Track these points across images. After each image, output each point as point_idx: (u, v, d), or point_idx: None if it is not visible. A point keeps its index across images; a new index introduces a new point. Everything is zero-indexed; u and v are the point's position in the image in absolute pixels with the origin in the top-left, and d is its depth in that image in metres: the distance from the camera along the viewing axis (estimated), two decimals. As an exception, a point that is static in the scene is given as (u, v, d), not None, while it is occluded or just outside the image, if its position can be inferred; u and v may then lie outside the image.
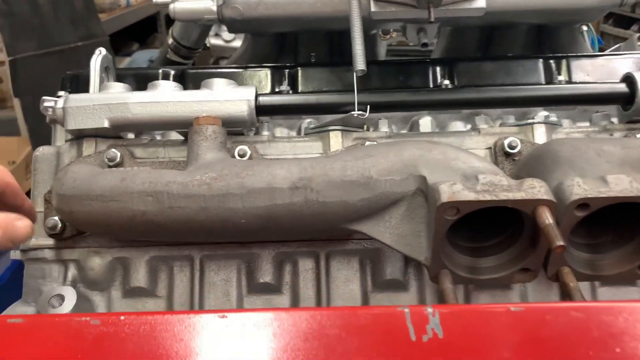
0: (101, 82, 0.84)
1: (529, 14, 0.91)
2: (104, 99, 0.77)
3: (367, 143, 0.78)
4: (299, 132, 0.87)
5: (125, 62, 2.99)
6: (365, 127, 0.82)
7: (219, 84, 0.78)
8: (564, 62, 0.92)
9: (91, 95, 0.80)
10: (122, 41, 3.38)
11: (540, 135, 0.79)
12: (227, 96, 0.77)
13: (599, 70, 0.91)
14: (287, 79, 0.92)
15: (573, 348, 0.40)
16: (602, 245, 0.65)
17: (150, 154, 0.79)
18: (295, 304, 0.76)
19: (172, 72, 0.92)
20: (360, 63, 0.73)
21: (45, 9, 2.29)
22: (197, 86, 0.82)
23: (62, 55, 2.33)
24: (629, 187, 0.57)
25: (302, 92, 0.91)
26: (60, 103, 0.78)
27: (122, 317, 0.41)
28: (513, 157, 0.76)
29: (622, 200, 0.57)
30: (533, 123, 0.80)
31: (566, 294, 0.62)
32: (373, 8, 0.81)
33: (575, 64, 0.92)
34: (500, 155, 0.76)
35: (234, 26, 0.94)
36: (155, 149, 0.80)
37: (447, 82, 0.90)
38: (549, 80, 0.90)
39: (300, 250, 0.76)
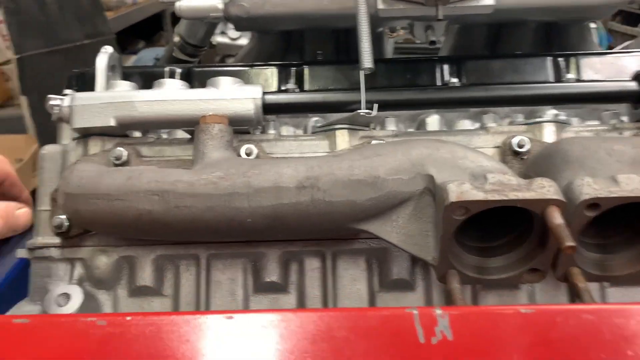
0: (107, 80, 0.84)
1: (538, 12, 0.90)
2: (110, 97, 0.77)
3: (374, 142, 0.77)
4: (305, 131, 0.87)
5: (131, 60, 2.99)
6: (372, 125, 0.81)
7: (225, 82, 0.78)
8: (573, 60, 0.91)
9: (97, 94, 0.80)
10: (128, 39, 3.38)
11: (549, 134, 0.78)
12: (233, 95, 0.76)
13: (609, 68, 0.90)
14: (293, 77, 0.92)
15: (584, 351, 0.40)
16: (612, 245, 0.64)
17: (157, 152, 0.79)
18: (301, 303, 0.76)
19: (179, 71, 0.92)
20: (367, 61, 0.73)
21: (52, 7, 2.30)
22: (203, 84, 0.81)
23: (69, 53, 2.34)
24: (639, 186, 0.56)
25: (309, 91, 0.90)
26: (66, 101, 0.78)
27: (128, 318, 0.40)
28: (522, 156, 0.75)
29: (633, 200, 0.56)
30: (542, 121, 0.79)
31: (575, 295, 0.61)
32: (380, 5, 0.80)
33: (585, 62, 0.91)
34: (509, 154, 0.75)
35: (240, 24, 0.93)
36: (161, 147, 0.79)
37: (454, 80, 0.89)
38: (558, 78, 0.90)
39: (306, 249, 0.76)
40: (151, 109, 0.76)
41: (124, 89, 0.80)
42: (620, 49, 1.08)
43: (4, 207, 0.62)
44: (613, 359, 0.39)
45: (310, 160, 0.67)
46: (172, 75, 0.90)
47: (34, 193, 0.79)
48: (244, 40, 1.65)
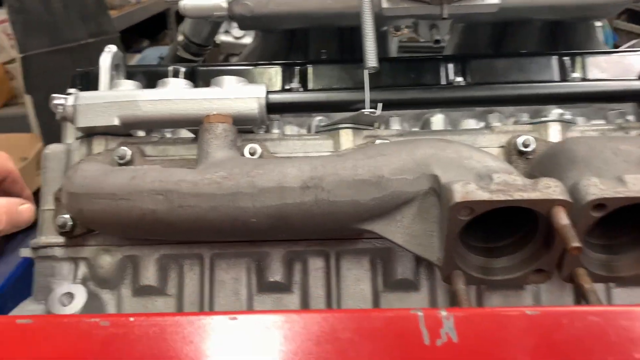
0: (111, 79, 0.84)
1: (544, 10, 0.90)
2: (114, 96, 0.77)
3: (379, 141, 0.77)
4: (309, 130, 0.87)
5: (135, 59, 3.00)
6: (376, 125, 0.81)
7: (229, 81, 0.78)
8: (578, 58, 0.90)
9: (101, 93, 0.79)
10: (132, 38, 3.39)
11: (554, 134, 0.77)
12: (237, 94, 0.76)
13: (615, 67, 0.90)
14: (297, 77, 0.91)
15: (590, 353, 0.39)
16: (618, 246, 0.64)
17: (161, 151, 0.79)
18: (305, 303, 0.76)
19: (183, 70, 0.92)
20: (371, 60, 0.72)
21: (56, 6, 2.30)
22: (207, 83, 0.81)
23: (73, 52, 2.34)
24: (646, 187, 0.56)
25: (313, 90, 0.90)
26: (70, 101, 0.78)
27: (131, 319, 0.40)
28: (527, 155, 0.74)
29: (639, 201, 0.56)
30: (547, 121, 0.78)
31: (581, 296, 0.61)
32: (385, 4, 0.80)
33: (590, 61, 0.90)
34: (514, 153, 0.75)
35: (244, 23, 0.93)
36: (165, 146, 0.79)
37: (459, 79, 0.88)
38: (564, 77, 0.89)
39: (310, 249, 0.76)
40: (155, 108, 0.76)
41: (128, 88, 0.80)
42: (626, 47, 1.07)
43: (6, 203, 0.62)
44: (619, 362, 0.39)
45: (314, 160, 0.67)
46: (176, 74, 0.90)
47: (38, 192, 0.80)
48: (248, 39, 1.64)
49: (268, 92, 0.77)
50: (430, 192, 0.63)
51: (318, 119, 0.87)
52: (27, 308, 0.74)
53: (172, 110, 0.76)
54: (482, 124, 0.85)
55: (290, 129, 0.87)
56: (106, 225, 0.70)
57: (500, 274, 0.63)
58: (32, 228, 0.78)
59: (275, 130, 0.83)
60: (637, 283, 0.73)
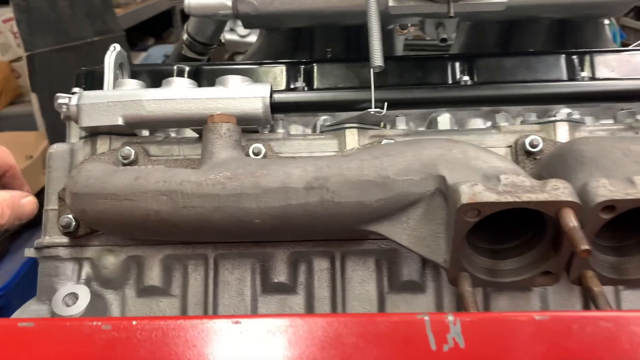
0: (115, 78, 0.83)
1: (552, 9, 0.89)
2: (118, 96, 0.77)
3: (384, 141, 0.76)
4: (314, 130, 0.86)
5: (141, 57, 3.00)
6: (382, 124, 0.80)
7: (233, 81, 0.77)
8: (587, 57, 0.89)
9: (105, 92, 0.79)
10: (138, 36, 3.39)
11: (562, 134, 0.76)
12: (241, 93, 0.75)
13: (624, 66, 0.88)
14: (302, 75, 0.91)
15: (601, 360, 0.38)
16: (628, 247, 0.63)
17: (165, 151, 0.78)
18: (309, 304, 0.75)
19: (187, 69, 0.91)
20: (377, 59, 0.72)
21: (62, 4, 2.30)
22: (212, 82, 0.80)
23: (79, 50, 2.34)
24: (657, 188, 0.55)
25: (318, 89, 0.89)
26: (74, 100, 0.77)
27: (134, 322, 0.40)
28: (534, 156, 0.74)
29: (650, 203, 0.55)
30: (555, 121, 0.77)
31: (590, 299, 0.60)
32: (391, 3, 0.79)
33: (599, 60, 0.89)
34: (521, 154, 0.74)
35: (249, 21, 0.92)
36: (169, 146, 0.79)
37: (466, 78, 0.87)
38: (572, 76, 0.88)
39: (315, 250, 0.75)
40: (159, 108, 0.75)
41: (132, 87, 0.79)
42: (635, 45, 1.06)
43: (9, 196, 0.63)
44: (631, 369, 0.38)
45: (319, 160, 0.66)
46: (180, 73, 0.89)
47: (43, 191, 0.79)
48: (253, 37, 1.63)
49: (273, 92, 0.77)
50: (437, 193, 0.62)
51: (323, 119, 0.86)
52: (31, 308, 0.74)
53: (176, 110, 0.75)
54: (489, 124, 0.84)
55: (295, 129, 0.86)
56: (110, 225, 0.70)
57: (508, 276, 0.62)
58: (38, 226, 0.78)
59: (280, 130, 0.83)
60: (647, 285, 0.72)
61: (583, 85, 0.84)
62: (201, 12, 0.91)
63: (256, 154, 0.75)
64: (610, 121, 0.83)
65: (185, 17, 1.05)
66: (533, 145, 0.73)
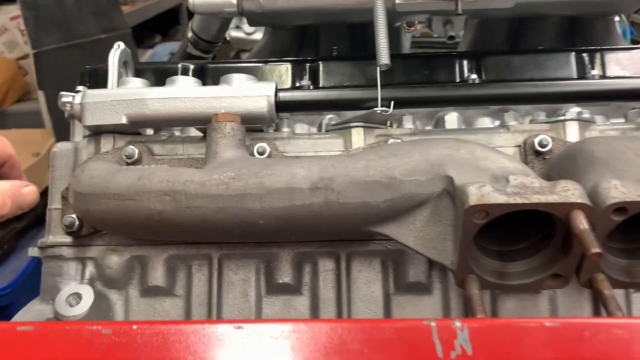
0: (120, 76, 0.83)
1: (562, 6, 0.87)
2: (122, 94, 0.76)
3: (391, 140, 0.75)
4: (319, 129, 0.85)
5: (147, 55, 3.00)
6: (388, 123, 0.79)
7: (238, 79, 0.76)
8: (597, 55, 0.88)
9: (109, 91, 0.78)
10: (144, 33, 3.39)
11: (572, 133, 0.75)
12: (246, 92, 0.75)
13: (635, 64, 0.87)
14: (308, 74, 0.90)
15: (613, 368, 0.37)
16: (639, 250, 0.62)
17: (169, 150, 0.78)
18: (314, 305, 0.74)
19: (192, 67, 0.91)
20: (384, 57, 0.71)
21: (68, 2, 2.30)
22: (217, 81, 0.80)
23: (86, 48, 2.34)
24: (670, 190, 0.54)
25: (324, 88, 0.88)
26: (78, 98, 0.77)
27: (134, 327, 0.39)
28: (544, 155, 0.72)
29: (663, 205, 0.54)
30: (565, 120, 0.76)
31: (600, 302, 0.58)
32: (398, 0, 0.78)
33: (610, 58, 0.87)
34: (530, 153, 0.73)
35: (254, 19, 0.91)
36: (173, 145, 0.78)
37: (474, 76, 0.86)
38: (582, 74, 0.86)
39: (320, 250, 0.74)
40: (163, 106, 0.75)
41: (136, 85, 0.79)
42: (646, 43, 1.04)
43: (9, 186, 0.63)
44: (644, 378, 0.37)
45: (324, 160, 0.65)
46: (185, 71, 0.88)
47: (46, 190, 0.79)
48: (259, 35, 1.63)
49: (277, 90, 0.76)
50: (444, 193, 0.61)
51: (329, 117, 0.85)
52: (34, 308, 0.74)
53: (180, 108, 0.75)
54: (497, 123, 0.83)
55: (300, 128, 0.85)
56: (113, 225, 0.69)
57: (516, 278, 0.61)
58: (36, 218, 0.78)
59: (285, 129, 0.82)
60: (658, 288, 0.71)
61: (593, 83, 0.82)
62: (206, 9, 0.90)
63: (261, 154, 0.75)
64: (621, 120, 0.82)
65: (191, 14, 1.05)
66: (542, 145, 0.72)
